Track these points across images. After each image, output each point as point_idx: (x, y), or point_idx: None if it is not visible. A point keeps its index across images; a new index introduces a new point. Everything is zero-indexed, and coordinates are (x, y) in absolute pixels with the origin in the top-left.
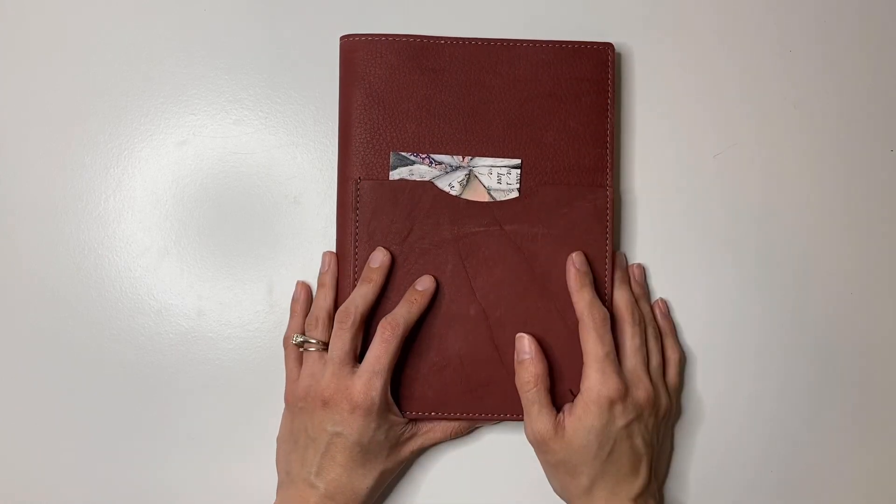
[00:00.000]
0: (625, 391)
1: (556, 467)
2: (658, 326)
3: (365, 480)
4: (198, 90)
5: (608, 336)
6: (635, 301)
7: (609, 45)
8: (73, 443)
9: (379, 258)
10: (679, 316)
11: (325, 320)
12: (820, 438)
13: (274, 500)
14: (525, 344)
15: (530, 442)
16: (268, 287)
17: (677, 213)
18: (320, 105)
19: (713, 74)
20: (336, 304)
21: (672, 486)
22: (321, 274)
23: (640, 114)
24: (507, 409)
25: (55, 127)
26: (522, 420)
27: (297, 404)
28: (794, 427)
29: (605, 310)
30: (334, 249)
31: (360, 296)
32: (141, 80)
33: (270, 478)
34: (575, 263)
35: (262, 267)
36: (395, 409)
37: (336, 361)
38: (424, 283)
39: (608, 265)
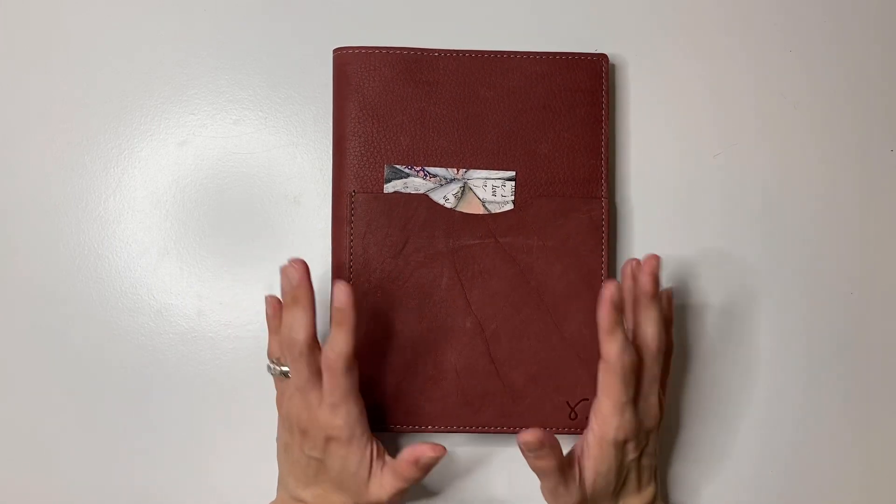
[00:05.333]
0: (638, 429)
1: None
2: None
3: (348, 501)
4: (198, 90)
5: (633, 381)
6: (664, 324)
7: (603, 56)
8: (72, 442)
9: (296, 275)
10: (680, 322)
11: (302, 346)
12: (824, 440)
13: (273, 500)
14: (534, 443)
15: None
16: (268, 287)
17: (674, 222)
18: (320, 105)
19: (712, 76)
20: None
21: (677, 485)
22: (292, 288)
23: (635, 123)
24: (504, 423)
25: (55, 127)
26: (516, 432)
27: (283, 421)
28: (798, 427)
29: (636, 354)
30: (330, 259)
31: (297, 322)
32: (141, 80)
33: (269, 477)
34: (611, 299)
35: (262, 267)
36: (369, 436)
37: (301, 392)
38: (340, 299)
39: (604, 277)
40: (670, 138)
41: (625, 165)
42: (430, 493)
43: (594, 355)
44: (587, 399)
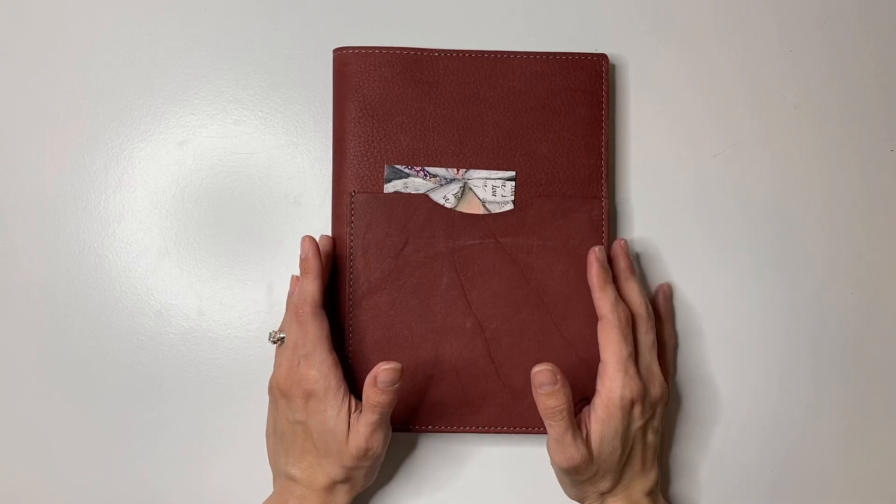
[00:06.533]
0: (644, 391)
1: (583, 481)
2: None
3: (334, 468)
4: (198, 90)
5: (631, 336)
6: (644, 293)
7: (603, 56)
8: (72, 442)
9: (304, 248)
10: (679, 322)
11: (307, 308)
12: (823, 433)
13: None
14: (548, 376)
15: (562, 468)
16: (268, 287)
17: (674, 222)
18: (320, 105)
19: (712, 76)
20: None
21: (680, 479)
22: (300, 260)
23: (635, 123)
24: (503, 423)
25: (55, 127)
26: (517, 433)
27: (270, 397)
28: (798, 422)
29: (629, 309)
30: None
31: (304, 288)
32: (141, 80)
33: (269, 477)
34: (598, 258)
35: (262, 267)
36: (345, 389)
37: (291, 349)
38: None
39: None
40: (670, 138)
41: (625, 165)
42: (431, 493)
43: (594, 355)
44: (587, 399)
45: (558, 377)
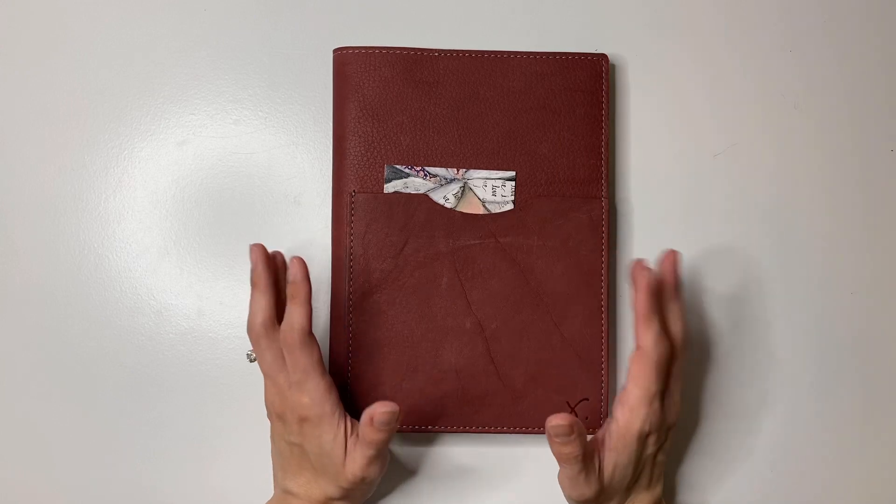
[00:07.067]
0: (662, 422)
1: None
2: None
3: (330, 487)
4: (198, 90)
5: (665, 371)
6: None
7: (603, 56)
8: (72, 442)
9: (252, 258)
10: None
11: (259, 329)
12: (823, 433)
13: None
14: (563, 430)
15: (572, 499)
16: None
17: (674, 223)
18: (320, 105)
19: (713, 76)
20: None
21: (685, 489)
22: (251, 273)
23: (635, 123)
24: (504, 423)
25: (55, 127)
26: (518, 433)
27: (267, 413)
28: (798, 423)
29: (670, 345)
30: (329, 261)
31: (255, 305)
32: (141, 80)
33: (269, 477)
34: (650, 285)
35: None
36: (340, 412)
37: (269, 377)
38: (294, 273)
39: (604, 277)
40: (670, 138)
41: (625, 165)
42: (430, 492)
43: (594, 355)
44: (587, 399)
45: (574, 428)
